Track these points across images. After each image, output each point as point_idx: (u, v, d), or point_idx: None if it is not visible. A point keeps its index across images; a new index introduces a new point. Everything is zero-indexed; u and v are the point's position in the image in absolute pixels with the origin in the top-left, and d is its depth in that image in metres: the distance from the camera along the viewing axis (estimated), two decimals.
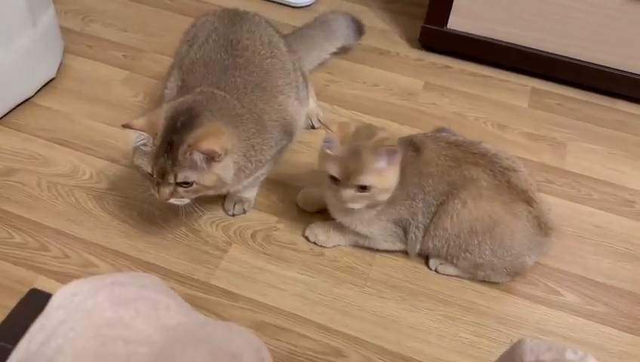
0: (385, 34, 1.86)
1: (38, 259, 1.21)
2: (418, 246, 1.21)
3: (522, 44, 1.67)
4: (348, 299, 1.19)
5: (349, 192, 1.08)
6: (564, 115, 1.64)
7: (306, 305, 1.17)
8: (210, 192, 1.14)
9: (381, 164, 1.07)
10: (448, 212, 1.13)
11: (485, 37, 1.69)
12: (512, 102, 1.67)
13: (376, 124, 1.53)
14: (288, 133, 1.27)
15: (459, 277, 1.23)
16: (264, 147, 1.19)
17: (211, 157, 1.04)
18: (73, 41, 1.73)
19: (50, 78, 1.58)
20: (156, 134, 1.05)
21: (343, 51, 1.74)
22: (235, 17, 1.30)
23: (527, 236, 1.14)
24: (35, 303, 0.62)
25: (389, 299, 1.20)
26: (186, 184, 1.07)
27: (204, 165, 1.05)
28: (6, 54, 1.41)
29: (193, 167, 1.05)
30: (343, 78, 1.70)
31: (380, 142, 1.06)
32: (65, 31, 1.72)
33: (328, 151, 1.09)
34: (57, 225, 1.27)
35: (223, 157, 1.06)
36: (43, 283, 1.17)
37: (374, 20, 1.91)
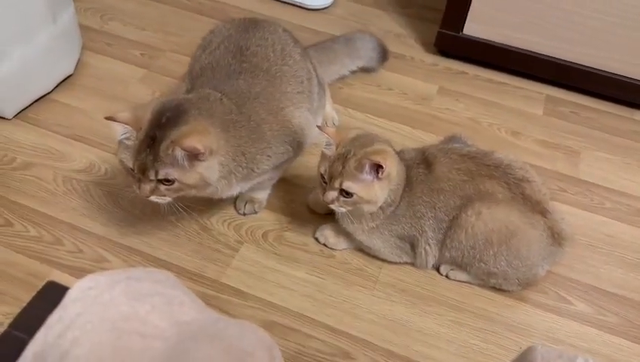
0: (400, 38, 1.86)
1: (53, 253, 1.23)
2: (432, 261, 1.21)
3: (538, 51, 1.66)
4: (357, 302, 1.19)
5: (332, 193, 1.09)
6: (579, 124, 1.63)
7: (315, 306, 1.18)
8: (193, 192, 1.10)
9: (365, 175, 1.07)
10: (462, 225, 1.12)
11: (501, 43, 1.68)
12: (527, 110, 1.66)
13: (389, 128, 1.55)
14: (294, 144, 1.23)
15: (469, 283, 1.23)
16: (259, 156, 1.15)
17: (194, 156, 1.02)
18: (92, 38, 1.75)
19: (69, 74, 1.60)
20: (140, 128, 1.03)
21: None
22: (250, 25, 1.29)
23: (542, 246, 1.13)
24: (51, 295, 0.63)
25: (398, 302, 1.20)
26: (168, 181, 1.04)
27: (186, 163, 1.02)
28: (26, 50, 1.43)
29: (175, 164, 1.02)
30: (357, 80, 1.70)
31: (368, 154, 1.05)
32: (84, 28, 1.74)
33: (326, 151, 1.12)
34: (72, 220, 1.29)
35: (206, 157, 1.04)
36: (57, 277, 1.18)
37: (390, 24, 1.91)
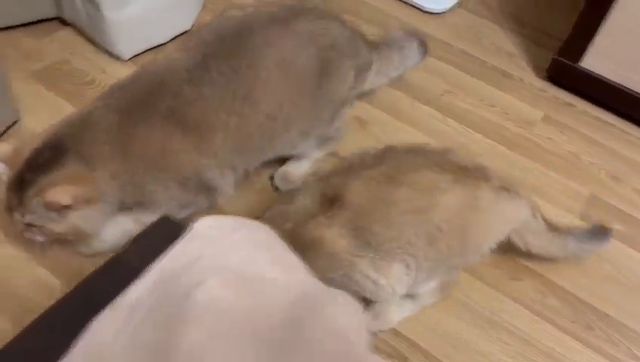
0: (512, 57, 1.81)
1: None
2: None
3: None
4: (425, 311, 1.17)
5: None
6: None
7: None
8: (72, 238, 1.02)
9: None
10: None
11: (618, 83, 1.60)
12: (632, 157, 1.58)
13: (484, 145, 1.51)
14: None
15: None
16: (157, 187, 1.03)
17: (62, 207, 0.93)
18: (213, 0, 1.79)
19: (185, 30, 1.65)
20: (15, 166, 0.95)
21: (459, 64, 1.72)
22: (242, 30, 1.15)
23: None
24: (164, 230, 0.65)
25: (464, 320, 1.17)
26: (35, 226, 0.97)
27: (54, 214, 0.94)
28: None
29: (39, 212, 0.94)
30: (460, 90, 1.66)
31: None
32: None
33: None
34: None
35: (80, 207, 0.94)
36: None
37: (504, 41, 1.86)
